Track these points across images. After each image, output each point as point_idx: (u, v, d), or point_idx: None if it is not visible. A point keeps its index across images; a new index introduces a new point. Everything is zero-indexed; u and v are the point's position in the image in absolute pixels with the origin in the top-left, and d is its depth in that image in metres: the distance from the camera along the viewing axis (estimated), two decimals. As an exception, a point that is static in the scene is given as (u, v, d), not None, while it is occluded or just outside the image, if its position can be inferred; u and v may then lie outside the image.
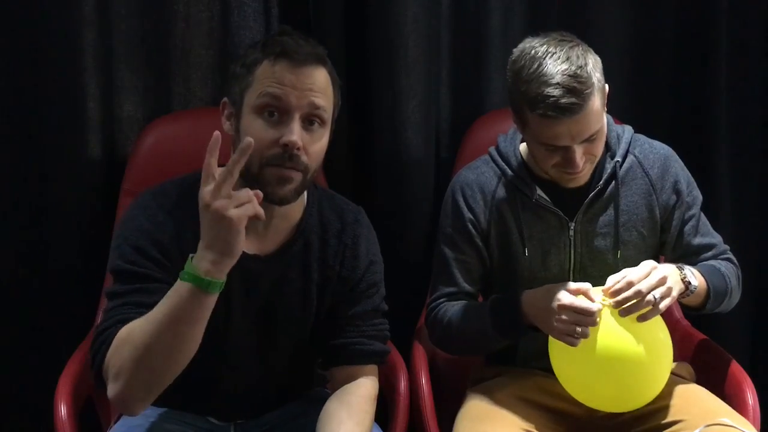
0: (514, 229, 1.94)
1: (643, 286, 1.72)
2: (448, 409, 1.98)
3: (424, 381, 1.99)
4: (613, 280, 1.75)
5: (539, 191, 1.92)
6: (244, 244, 1.63)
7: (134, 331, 1.52)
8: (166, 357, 1.51)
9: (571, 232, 1.92)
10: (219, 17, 2.33)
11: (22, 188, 2.24)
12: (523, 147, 1.97)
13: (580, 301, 1.74)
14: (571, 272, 1.93)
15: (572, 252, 1.93)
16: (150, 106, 2.33)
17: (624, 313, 1.72)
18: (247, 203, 1.45)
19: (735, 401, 1.90)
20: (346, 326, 1.77)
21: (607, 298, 1.75)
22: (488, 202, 1.96)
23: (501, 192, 1.95)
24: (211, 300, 1.50)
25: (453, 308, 1.95)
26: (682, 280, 1.81)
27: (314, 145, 1.65)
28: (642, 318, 1.73)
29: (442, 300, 1.97)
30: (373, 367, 1.81)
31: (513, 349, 1.99)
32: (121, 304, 1.60)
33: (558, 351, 1.80)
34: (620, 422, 1.86)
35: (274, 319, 1.75)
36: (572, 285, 1.77)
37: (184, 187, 1.71)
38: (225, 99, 1.71)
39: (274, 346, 1.77)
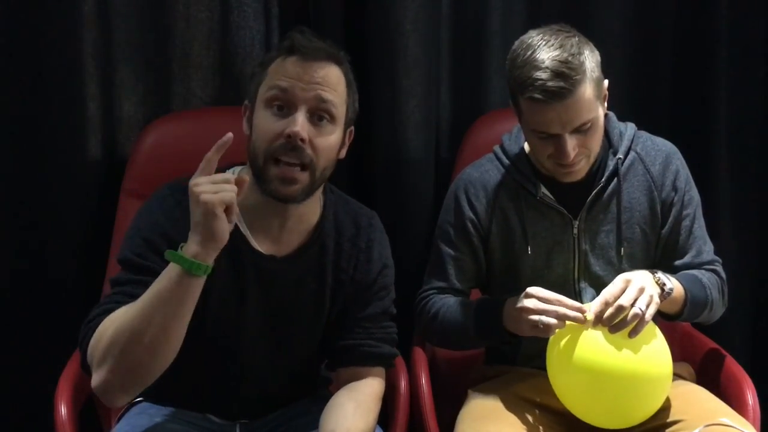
0: (518, 228, 1.94)
1: (623, 301, 1.70)
2: (448, 409, 1.98)
3: (424, 381, 1.99)
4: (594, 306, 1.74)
5: (543, 189, 1.92)
6: (259, 244, 1.67)
7: (119, 316, 1.54)
8: (147, 343, 1.50)
9: (575, 230, 1.92)
10: (219, 17, 2.33)
11: (22, 188, 2.24)
12: (527, 145, 1.97)
13: (545, 292, 1.75)
14: (576, 270, 1.93)
15: (576, 250, 1.93)
16: (150, 106, 2.33)
17: (613, 329, 1.71)
18: (223, 191, 1.47)
19: (735, 401, 1.89)
20: (355, 328, 1.78)
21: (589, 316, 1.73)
22: (491, 200, 1.96)
23: (505, 190, 1.96)
24: (197, 284, 1.50)
25: (441, 301, 1.96)
26: (656, 283, 1.80)
27: (321, 140, 1.64)
28: (633, 332, 1.70)
29: (431, 292, 1.99)
30: (380, 370, 1.82)
31: (514, 348, 1.99)
32: (117, 292, 1.62)
33: (554, 370, 1.79)
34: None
35: (288, 321, 1.76)
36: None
37: None
38: (246, 102, 1.73)
39: (287, 348, 1.78)
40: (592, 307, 1.73)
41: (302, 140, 1.61)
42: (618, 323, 1.70)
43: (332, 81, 1.66)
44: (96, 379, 1.53)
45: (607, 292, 1.72)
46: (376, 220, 1.85)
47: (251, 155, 1.67)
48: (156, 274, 1.57)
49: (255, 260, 1.70)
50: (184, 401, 1.79)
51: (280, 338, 1.76)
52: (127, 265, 1.66)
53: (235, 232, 1.63)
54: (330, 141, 1.66)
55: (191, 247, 1.49)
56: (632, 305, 1.69)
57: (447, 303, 1.95)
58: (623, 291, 1.72)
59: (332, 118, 1.66)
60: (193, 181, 1.49)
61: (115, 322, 1.53)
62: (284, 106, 1.63)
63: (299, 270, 1.74)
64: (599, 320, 1.71)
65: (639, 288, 1.72)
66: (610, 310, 1.70)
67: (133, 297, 1.56)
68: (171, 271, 1.50)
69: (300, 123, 1.61)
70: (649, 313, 1.71)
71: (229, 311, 1.70)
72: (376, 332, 1.80)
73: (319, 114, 1.64)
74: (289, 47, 1.66)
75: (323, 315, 1.78)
